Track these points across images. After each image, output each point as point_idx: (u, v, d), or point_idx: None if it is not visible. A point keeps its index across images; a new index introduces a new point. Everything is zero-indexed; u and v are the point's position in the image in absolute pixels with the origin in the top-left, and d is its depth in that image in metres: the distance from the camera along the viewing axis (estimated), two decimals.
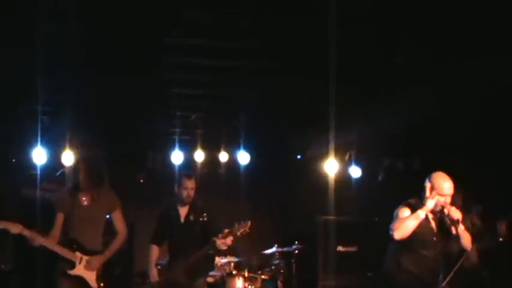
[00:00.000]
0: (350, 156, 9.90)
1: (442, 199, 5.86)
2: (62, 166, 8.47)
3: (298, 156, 10.33)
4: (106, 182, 6.41)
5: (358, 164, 9.96)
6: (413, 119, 7.67)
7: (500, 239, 7.25)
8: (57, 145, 8.45)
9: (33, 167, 8.26)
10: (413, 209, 5.92)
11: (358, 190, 9.87)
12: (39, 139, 8.12)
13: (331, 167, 9.59)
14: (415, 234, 5.86)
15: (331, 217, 9.34)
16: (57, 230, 6.23)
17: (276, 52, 6.70)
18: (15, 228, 5.98)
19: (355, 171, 9.99)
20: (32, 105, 7.65)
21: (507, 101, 7.13)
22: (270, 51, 6.68)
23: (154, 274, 7.03)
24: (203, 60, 6.97)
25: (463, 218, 6.99)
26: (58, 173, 8.52)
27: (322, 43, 6.08)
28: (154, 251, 7.16)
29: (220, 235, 6.86)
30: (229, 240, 6.85)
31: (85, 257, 6.15)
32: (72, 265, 6.12)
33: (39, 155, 8.32)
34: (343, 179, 9.82)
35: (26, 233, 6.00)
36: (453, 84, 6.85)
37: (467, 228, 6.49)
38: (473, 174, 8.13)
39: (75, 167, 6.50)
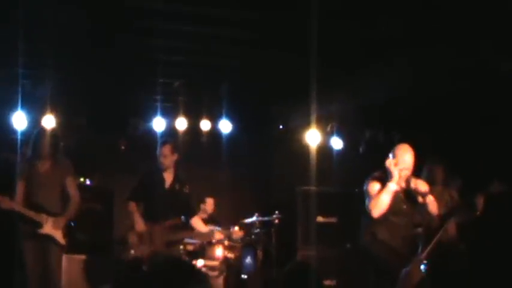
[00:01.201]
0: (332, 128, 9.89)
1: (403, 172, 5.98)
2: None
3: (280, 127, 10.30)
4: (61, 150, 6.95)
5: (339, 135, 9.97)
6: (395, 92, 7.69)
7: (478, 213, 7.31)
8: (38, 110, 8.38)
9: (13, 131, 8.20)
10: (382, 182, 6.03)
11: (339, 161, 9.89)
12: (19, 103, 8.05)
13: (312, 137, 9.60)
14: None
15: (312, 188, 9.34)
16: (19, 197, 6.67)
17: (257, 23, 6.69)
18: None
19: (337, 143, 10.00)
20: (13, 68, 7.58)
21: (488, 74, 7.17)
22: (252, 21, 6.66)
23: (140, 224, 7.03)
24: (185, 27, 6.90)
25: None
26: None
27: (304, 15, 6.03)
28: (134, 206, 7.18)
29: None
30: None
31: (51, 218, 6.67)
32: (39, 226, 6.59)
33: (19, 120, 8.24)
34: (324, 150, 9.83)
35: None
36: (433, 56, 6.87)
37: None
38: (453, 148, 8.19)
39: (35, 137, 6.76)
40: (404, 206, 6.18)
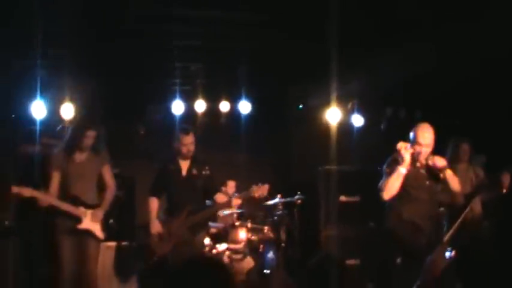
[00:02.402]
0: (353, 105, 9.80)
1: (420, 148, 6.05)
2: (62, 120, 8.41)
3: (300, 106, 10.22)
4: (100, 141, 6.70)
5: (360, 112, 9.87)
6: (417, 70, 7.58)
7: (504, 191, 7.25)
8: (57, 99, 8.36)
9: (32, 122, 8.19)
10: (397, 164, 6.08)
11: (360, 139, 9.80)
12: (38, 93, 8.03)
13: (333, 116, 9.52)
14: (409, 182, 6.08)
15: (333, 167, 9.28)
16: (54, 189, 6.50)
17: (275, 4, 6.59)
18: (26, 192, 6.23)
19: (357, 120, 9.91)
20: (31, 59, 7.56)
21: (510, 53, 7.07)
22: (270, 2, 6.58)
23: (155, 225, 6.93)
24: (202, 11, 6.84)
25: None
26: (58, 128, 8.43)
27: None
28: (154, 203, 7.08)
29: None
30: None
31: (89, 211, 6.50)
32: (78, 221, 6.44)
33: (38, 110, 8.22)
34: (345, 128, 9.75)
35: (36, 194, 6.27)
36: (457, 35, 6.76)
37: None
38: (478, 125, 8.10)
39: (82, 132, 6.55)
40: (427, 182, 6.21)
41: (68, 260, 6.42)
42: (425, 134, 6.11)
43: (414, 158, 6.11)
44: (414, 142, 6.10)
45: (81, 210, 6.46)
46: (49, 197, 6.36)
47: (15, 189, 6.21)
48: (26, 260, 7.72)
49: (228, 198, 7.19)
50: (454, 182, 6.19)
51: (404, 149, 6.06)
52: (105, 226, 6.67)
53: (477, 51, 7.07)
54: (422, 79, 8.00)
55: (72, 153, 6.56)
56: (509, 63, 7.18)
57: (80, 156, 6.58)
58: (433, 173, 6.20)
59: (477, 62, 7.32)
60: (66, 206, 6.39)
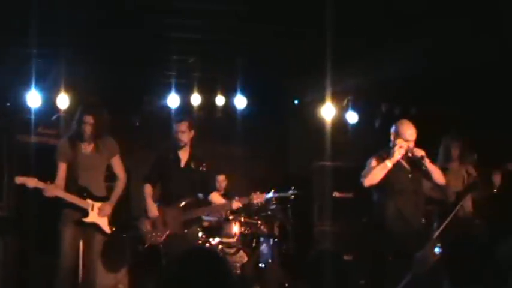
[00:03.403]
0: (348, 102, 9.81)
1: (404, 143, 6.28)
2: (57, 110, 8.41)
3: (296, 101, 10.24)
4: (106, 130, 6.52)
5: (354, 109, 9.88)
6: (412, 67, 7.60)
7: (495, 190, 7.29)
8: (52, 89, 8.35)
9: (28, 111, 8.18)
10: (382, 159, 6.37)
11: (354, 136, 9.82)
12: (33, 82, 8.03)
13: (327, 112, 9.53)
14: (393, 176, 6.34)
15: (327, 163, 9.30)
16: (60, 180, 6.33)
17: None
18: (31, 182, 6.11)
19: (352, 117, 9.92)
20: (27, 47, 7.56)
21: (505, 51, 7.08)
22: None
23: (153, 209, 6.89)
24: (198, 4, 6.84)
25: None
26: (53, 118, 8.45)
27: None
28: (149, 189, 7.03)
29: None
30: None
31: (96, 204, 6.33)
32: (84, 213, 6.27)
33: (33, 99, 8.21)
34: (340, 124, 9.76)
35: (41, 185, 6.14)
36: (452, 32, 6.78)
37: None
38: (470, 123, 8.13)
39: (79, 118, 6.36)
40: (410, 175, 6.46)
41: (68, 251, 6.23)
42: (410, 131, 6.36)
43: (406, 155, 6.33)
44: (400, 139, 6.34)
45: (88, 202, 6.29)
46: (54, 188, 6.19)
47: (20, 179, 6.10)
48: (22, 250, 7.70)
49: (228, 201, 7.29)
50: (435, 172, 6.43)
51: (400, 147, 6.19)
52: (113, 219, 6.47)
53: (472, 48, 7.09)
54: (417, 76, 8.02)
55: (76, 142, 6.36)
56: (506, 58, 7.20)
57: (87, 147, 6.38)
58: (416, 166, 6.40)
59: (473, 59, 7.35)
60: (72, 198, 6.22)
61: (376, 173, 6.32)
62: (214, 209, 7.52)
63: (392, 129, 6.50)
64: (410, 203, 6.39)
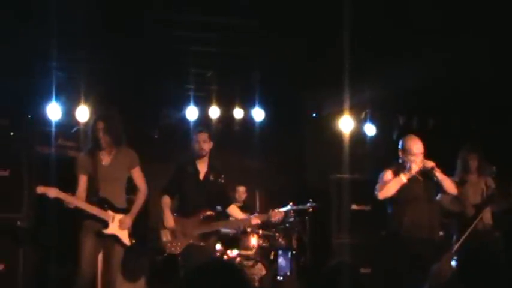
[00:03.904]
0: (366, 114, 9.81)
1: (412, 158, 6.38)
2: (77, 122, 8.49)
3: (314, 114, 10.25)
4: (124, 140, 6.47)
5: (372, 121, 9.88)
6: (430, 79, 7.61)
7: None
8: (72, 101, 8.43)
9: (48, 123, 8.25)
10: (395, 173, 6.50)
11: (372, 148, 9.81)
12: (53, 95, 8.11)
13: (345, 124, 9.53)
14: (406, 186, 6.42)
15: (345, 175, 9.27)
16: (81, 191, 6.32)
17: (288, 10, 6.59)
18: (52, 192, 6.07)
19: (370, 129, 9.91)
20: (47, 61, 7.64)
21: None
22: (283, 8, 6.58)
23: (170, 220, 6.85)
24: (215, 17, 6.89)
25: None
26: (73, 130, 8.52)
27: (336, 1, 6.00)
28: (167, 200, 7.00)
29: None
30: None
31: (117, 216, 6.31)
32: (104, 224, 6.24)
33: (53, 111, 8.29)
34: (358, 137, 9.76)
35: (62, 196, 6.11)
36: (470, 45, 6.78)
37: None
38: (488, 136, 8.09)
39: (93, 127, 6.36)
40: (424, 187, 6.51)
41: (87, 262, 6.20)
42: (417, 145, 6.44)
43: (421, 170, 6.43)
44: (409, 153, 6.43)
45: (109, 214, 6.25)
46: (75, 199, 6.18)
47: (41, 189, 6.05)
48: (41, 260, 7.73)
49: (247, 215, 7.37)
50: (446, 181, 6.49)
51: (416, 164, 6.23)
52: (133, 231, 6.41)
53: (489, 60, 7.08)
54: (435, 88, 8.01)
55: (95, 154, 6.34)
56: None
57: (106, 158, 6.35)
58: (428, 176, 6.47)
59: (490, 71, 7.34)
60: (93, 209, 6.19)
61: (391, 186, 6.42)
62: (233, 223, 7.57)
63: (400, 145, 6.58)
64: (425, 211, 6.44)
